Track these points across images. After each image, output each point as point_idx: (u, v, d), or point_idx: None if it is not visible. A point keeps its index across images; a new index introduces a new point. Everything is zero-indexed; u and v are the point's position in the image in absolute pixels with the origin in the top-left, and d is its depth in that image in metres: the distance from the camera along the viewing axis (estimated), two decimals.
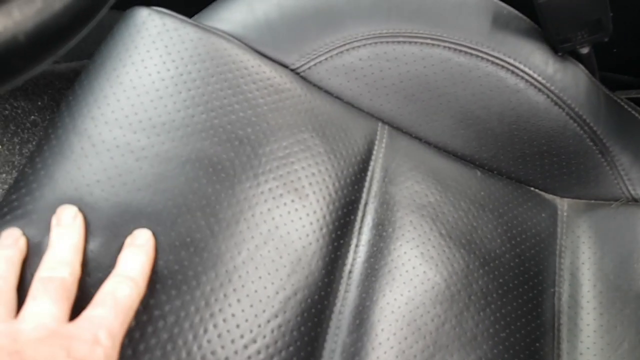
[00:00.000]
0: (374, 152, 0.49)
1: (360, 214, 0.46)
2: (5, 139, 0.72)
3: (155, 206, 0.37)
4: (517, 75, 0.48)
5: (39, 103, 0.72)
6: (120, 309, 0.32)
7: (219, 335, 0.36)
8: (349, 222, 0.45)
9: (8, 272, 0.32)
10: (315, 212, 0.43)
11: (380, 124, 0.50)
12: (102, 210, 0.36)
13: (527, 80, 0.49)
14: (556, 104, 0.49)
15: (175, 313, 0.35)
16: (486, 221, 0.48)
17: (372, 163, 0.48)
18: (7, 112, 0.73)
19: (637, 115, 0.52)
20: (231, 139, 0.42)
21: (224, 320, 0.36)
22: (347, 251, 0.44)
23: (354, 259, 0.44)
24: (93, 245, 0.35)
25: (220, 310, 0.37)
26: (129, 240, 0.35)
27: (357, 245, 0.44)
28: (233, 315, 0.37)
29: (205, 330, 0.36)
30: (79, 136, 0.39)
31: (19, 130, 0.73)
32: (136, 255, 0.35)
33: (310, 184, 0.44)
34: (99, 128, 0.39)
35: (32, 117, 0.72)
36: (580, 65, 0.51)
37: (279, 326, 0.38)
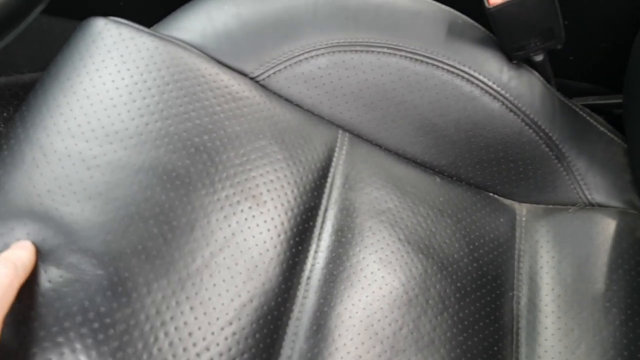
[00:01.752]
0: (334, 159, 0.49)
1: (319, 220, 0.46)
2: None
3: (106, 215, 0.37)
4: (472, 83, 0.49)
5: (5, 114, 0.72)
6: None
7: (170, 344, 0.36)
8: (308, 229, 0.45)
9: None
10: (273, 218, 0.43)
11: (340, 131, 0.51)
12: (52, 219, 0.36)
13: (482, 88, 0.49)
14: (511, 110, 0.50)
15: (125, 321, 0.35)
16: (444, 226, 0.49)
17: (332, 170, 0.48)
18: None
19: (592, 121, 0.54)
20: (187, 146, 0.42)
21: (176, 329, 0.36)
22: (306, 257, 0.44)
23: (312, 265, 0.44)
24: (43, 251, 0.35)
25: (171, 318, 0.36)
26: None
27: (316, 252, 0.45)
28: (185, 323, 0.37)
29: (156, 339, 0.35)
30: (31, 146, 0.38)
31: None
32: (16, 249, 0.34)
33: (268, 190, 0.44)
34: (51, 137, 0.39)
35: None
36: (535, 73, 0.52)
37: (233, 333, 0.38)
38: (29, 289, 0.34)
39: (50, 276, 0.34)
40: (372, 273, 0.44)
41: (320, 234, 0.45)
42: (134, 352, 0.34)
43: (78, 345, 0.33)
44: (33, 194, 0.36)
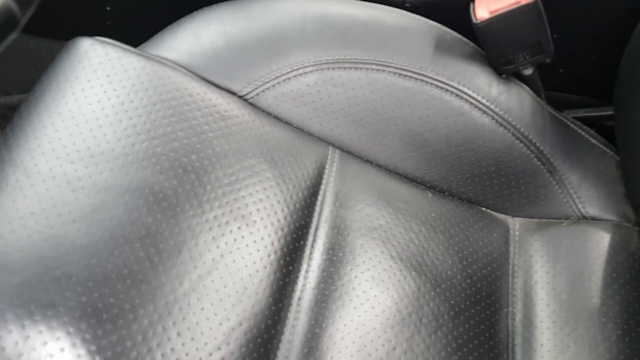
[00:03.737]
0: (325, 177, 0.49)
1: (311, 239, 0.45)
2: None
3: (91, 238, 0.36)
4: (462, 98, 0.49)
5: None
6: None
7: None
8: (299, 248, 0.44)
9: None
10: (263, 238, 0.43)
11: (331, 148, 0.50)
12: (35, 244, 0.35)
13: (471, 103, 0.49)
14: (501, 125, 0.50)
15: (111, 348, 0.34)
16: (437, 243, 0.48)
17: (322, 187, 0.48)
18: None
19: (584, 134, 0.53)
20: (174, 167, 0.41)
21: (163, 356, 0.35)
22: (297, 277, 0.43)
23: (304, 285, 0.43)
24: (25, 280, 0.34)
25: (158, 345, 0.36)
26: None
27: (307, 271, 0.44)
28: (172, 349, 0.36)
29: None
30: (15, 168, 0.38)
31: None
32: None
33: (258, 210, 0.44)
34: (36, 159, 0.38)
35: None
36: (525, 87, 0.52)
37: (222, 359, 0.37)
38: (13, 315, 0.33)
39: (33, 300, 0.33)
40: (364, 292, 0.44)
41: (311, 253, 0.45)
42: None
43: None
44: (16, 217, 0.36)
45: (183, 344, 0.36)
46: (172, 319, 0.36)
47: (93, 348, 0.34)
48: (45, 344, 0.33)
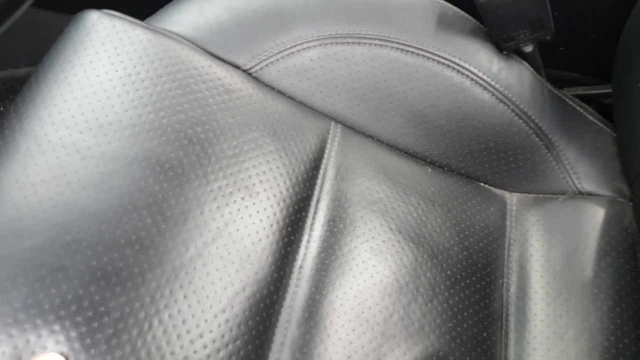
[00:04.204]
0: (327, 151, 0.50)
1: (312, 210, 0.47)
2: None
3: (100, 205, 0.38)
4: (463, 74, 0.50)
5: (1, 108, 0.72)
6: None
7: (165, 331, 0.37)
8: (300, 219, 0.46)
9: None
10: (265, 209, 0.44)
11: (333, 123, 0.51)
12: (46, 209, 0.37)
13: (472, 79, 0.50)
14: (501, 101, 0.51)
15: (119, 309, 0.36)
16: (435, 216, 0.49)
17: (324, 161, 0.49)
18: None
19: (582, 111, 0.54)
20: (180, 138, 0.43)
21: (170, 316, 0.37)
22: (298, 247, 0.45)
23: (305, 255, 0.45)
24: (37, 244, 0.35)
25: (165, 306, 0.37)
26: None
27: (308, 241, 0.45)
28: (179, 311, 0.37)
29: (150, 326, 0.36)
30: (25, 136, 0.39)
31: None
32: None
33: (260, 181, 0.45)
34: (45, 128, 0.39)
35: None
36: (525, 63, 0.53)
37: (226, 321, 0.39)
38: (25, 278, 0.34)
39: (44, 264, 0.35)
40: (363, 262, 0.45)
41: (312, 224, 0.46)
42: (128, 339, 0.35)
43: (73, 333, 0.34)
44: (27, 183, 0.37)
45: (189, 306, 0.38)
46: (178, 282, 0.38)
47: (102, 309, 0.35)
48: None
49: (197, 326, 0.38)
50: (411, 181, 0.51)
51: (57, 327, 0.34)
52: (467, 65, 0.50)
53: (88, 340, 0.34)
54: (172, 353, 0.36)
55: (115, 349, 0.34)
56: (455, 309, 0.46)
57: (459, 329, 0.45)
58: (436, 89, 0.50)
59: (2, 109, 0.72)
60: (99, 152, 0.39)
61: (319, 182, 0.48)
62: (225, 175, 0.43)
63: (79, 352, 0.34)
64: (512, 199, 0.54)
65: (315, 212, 0.47)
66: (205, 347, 0.37)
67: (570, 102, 0.54)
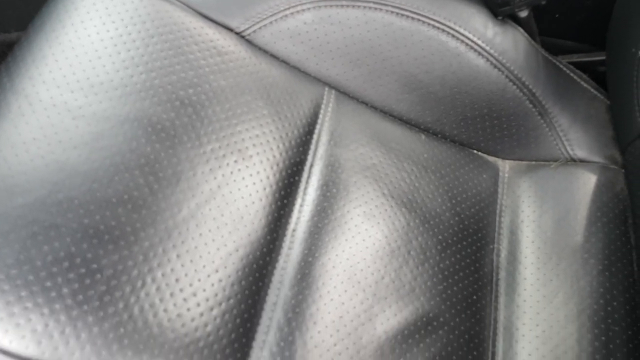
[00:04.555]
0: (320, 116, 0.49)
1: (305, 175, 0.47)
2: None
3: (91, 164, 0.38)
4: (457, 39, 0.50)
5: None
6: None
7: (158, 289, 0.37)
8: (293, 183, 0.46)
9: None
10: (258, 172, 0.44)
11: (327, 88, 0.51)
12: (37, 167, 0.36)
13: (467, 44, 0.50)
14: (495, 66, 0.50)
15: (112, 267, 0.36)
16: (428, 182, 0.50)
17: (318, 126, 0.49)
18: None
19: (576, 77, 0.54)
20: (172, 99, 0.42)
21: (163, 275, 0.37)
22: (292, 211, 0.45)
23: (298, 218, 0.45)
24: (29, 201, 0.35)
25: (158, 265, 0.37)
26: None
27: (301, 205, 0.45)
28: (172, 270, 0.38)
29: (144, 284, 0.36)
30: (16, 95, 0.39)
31: None
32: None
33: (254, 145, 0.45)
34: (37, 87, 0.39)
35: None
36: (520, 29, 0.52)
37: (219, 280, 0.39)
38: (16, 235, 0.34)
39: (36, 221, 0.35)
40: (356, 226, 0.45)
41: (305, 188, 0.46)
42: (121, 296, 0.35)
43: (65, 290, 0.34)
44: (19, 141, 0.37)
45: (182, 265, 0.38)
46: (171, 242, 0.38)
47: (94, 266, 0.35)
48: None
49: (191, 285, 0.38)
50: (405, 148, 0.51)
51: (49, 284, 0.34)
52: (462, 30, 0.50)
53: (80, 297, 0.34)
54: (165, 310, 0.36)
55: (108, 305, 0.35)
56: (446, 273, 0.46)
57: (449, 291, 0.46)
58: (431, 54, 0.49)
59: None
60: (90, 111, 0.39)
61: (312, 147, 0.48)
62: (218, 138, 0.43)
63: (72, 308, 0.34)
64: (505, 166, 0.54)
65: (308, 177, 0.47)
66: (198, 305, 0.38)
67: (565, 69, 0.54)
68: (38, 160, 0.37)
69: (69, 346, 0.33)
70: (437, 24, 0.50)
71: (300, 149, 0.47)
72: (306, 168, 0.47)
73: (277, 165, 0.45)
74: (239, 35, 0.49)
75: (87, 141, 0.38)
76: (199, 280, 0.38)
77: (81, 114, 0.39)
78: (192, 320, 0.37)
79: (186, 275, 0.38)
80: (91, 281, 0.35)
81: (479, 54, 0.50)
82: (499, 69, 0.51)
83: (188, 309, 0.37)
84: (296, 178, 0.46)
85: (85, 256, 0.35)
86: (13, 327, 0.33)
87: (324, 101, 0.50)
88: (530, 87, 0.51)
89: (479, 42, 0.50)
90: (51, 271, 0.34)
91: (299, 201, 0.45)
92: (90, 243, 0.36)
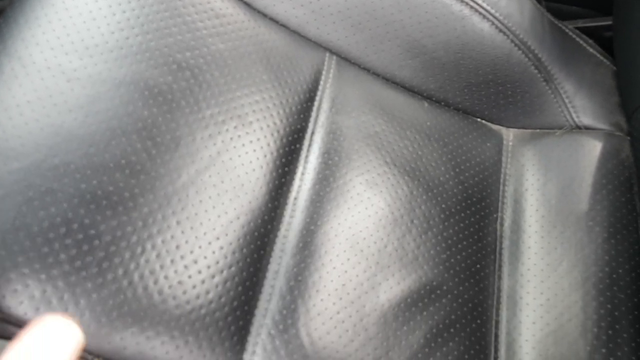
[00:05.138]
0: (321, 82, 0.48)
1: (306, 142, 0.46)
2: None
3: (87, 128, 0.36)
4: (462, 1, 0.48)
5: None
6: None
7: (158, 255, 0.36)
8: (294, 150, 0.45)
9: None
10: (259, 139, 0.43)
11: (327, 54, 0.50)
12: (32, 131, 0.35)
13: (471, 7, 0.48)
14: (501, 30, 0.49)
15: (110, 233, 0.35)
16: (431, 150, 0.49)
17: (319, 93, 0.48)
18: None
19: (581, 42, 0.53)
20: (168, 62, 0.41)
21: (163, 242, 0.36)
22: (293, 178, 0.44)
23: (299, 186, 0.44)
24: (24, 165, 0.34)
25: (158, 231, 0.36)
26: None
27: (303, 173, 0.44)
28: (172, 237, 0.37)
29: (143, 250, 0.36)
30: (9, 57, 0.37)
31: None
32: None
33: (253, 111, 0.44)
34: (30, 49, 0.38)
35: None
36: None
37: (221, 248, 0.38)
38: (12, 200, 0.33)
39: (32, 186, 0.34)
40: (358, 194, 0.45)
41: (307, 156, 0.45)
42: (120, 262, 0.34)
43: (62, 255, 0.33)
44: (12, 104, 0.35)
45: (182, 232, 0.37)
46: (171, 209, 0.37)
47: (92, 232, 0.35)
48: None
49: (191, 252, 0.37)
50: (407, 115, 0.50)
51: (46, 250, 0.33)
52: None
53: (79, 263, 0.34)
54: (165, 277, 0.36)
55: (107, 271, 0.34)
56: (450, 241, 0.46)
57: (452, 260, 0.45)
58: (434, 17, 0.48)
59: None
60: (85, 74, 0.38)
61: (313, 114, 0.47)
62: (217, 103, 0.42)
63: (70, 274, 0.33)
64: (509, 134, 0.53)
65: (309, 145, 0.46)
66: (199, 272, 0.37)
67: (571, 34, 0.53)
68: (33, 123, 0.36)
69: (67, 313, 0.33)
70: None
71: (301, 115, 0.46)
72: (307, 135, 0.46)
73: (278, 132, 0.44)
74: None
75: (82, 104, 0.37)
76: (200, 247, 0.38)
77: (76, 77, 0.38)
78: (194, 287, 0.36)
79: (187, 242, 0.37)
80: (89, 247, 0.34)
81: (484, 17, 0.49)
82: (504, 33, 0.49)
83: (189, 276, 0.37)
84: (297, 145, 0.45)
85: (83, 222, 0.34)
86: (10, 293, 0.32)
87: (325, 67, 0.49)
88: (536, 52, 0.50)
89: (484, 4, 0.49)
90: (48, 237, 0.33)
91: (300, 169, 0.45)
92: (88, 208, 0.35)
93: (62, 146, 0.35)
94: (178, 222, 0.37)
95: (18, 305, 0.32)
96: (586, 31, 0.55)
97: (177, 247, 0.37)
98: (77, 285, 0.33)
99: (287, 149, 0.44)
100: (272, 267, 0.41)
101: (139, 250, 0.35)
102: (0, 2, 0.67)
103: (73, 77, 0.37)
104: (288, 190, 0.44)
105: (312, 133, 0.46)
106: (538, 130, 0.53)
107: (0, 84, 0.36)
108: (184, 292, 0.36)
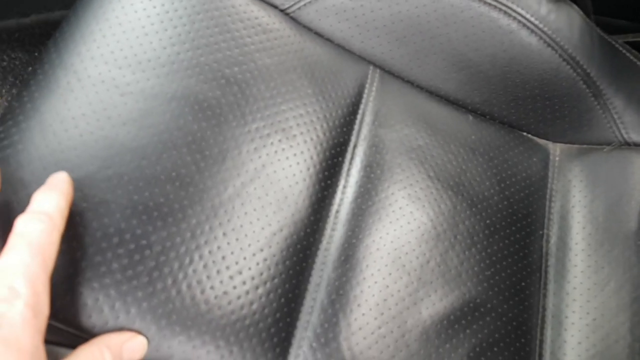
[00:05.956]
0: (365, 96, 0.48)
1: (349, 156, 0.46)
2: (4, 90, 0.72)
3: (140, 141, 0.38)
4: (510, 15, 0.48)
5: (36, 54, 0.72)
6: (36, 247, 0.29)
7: (205, 266, 0.37)
8: (337, 164, 0.45)
9: None
10: (302, 152, 0.43)
11: (371, 67, 0.50)
12: (87, 143, 0.37)
13: (519, 21, 0.48)
14: (549, 45, 0.48)
15: (161, 243, 0.36)
16: (476, 164, 0.48)
17: (362, 106, 0.48)
18: (5, 63, 0.73)
19: (632, 57, 0.52)
20: (217, 77, 0.42)
21: (210, 252, 0.37)
22: (335, 192, 0.44)
23: (341, 199, 0.44)
24: (79, 177, 0.36)
25: (205, 242, 0.37)
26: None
27: (345, 187, 0.45)
28: (219, 247, 0.38)
29: (191, 261, 0.36)
30: (65, 71, 0.39)
31: (17, 81, 0.73)
32: (47, 193, 0.32)
33: (297, 124, 0.44)
34: (85, 63, 0.39)
35: (30, 67, 0.72)
36: (575, 6, 0.50)
37: (264, 259, 0.39)
38: None
39: (86, 197, 0.35)
40: (400, 208, 0.45)
41: (349, 169, 0.45)
42: (169, 272, 0.35)
43: (115, 265, 0.34)
44: (68, 117, 0.37)
45: (228, 243, 0.38)
46: (217, 220, 0.38)
47: (143, 242, 0.35)
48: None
49: (236, 263, 0.38)
50: (451, 129, 0.49)
51: (98, 259, 0.34)
52: (514, 7, 0.48)
53: (130, 272, 0.35)
54: (212, 287, 0.36)
55: (156, 280, 0.35)
56: (494, 258, 0.45)
57: (496, 277, 0.44)
58: (481, 31, 0.48)
59: (37, 54, 0.72)
60: (138, 88, 0.39)
61: (356, 127, 0.47)
62: (262, 117, 0.43)
63: (121, 283, 0.34)
64: (556, 149, 0.52)
65: (352, 158, 0.46)
66: (244, 283, 0.38)
67: (620, 48, 0.52)
68: (87, 135, 0.37)
69: (118, 321, 0.34)
70: (488, 0, 0.48)
71: (344, 129, 0.46)
72: (350, 149, 0.46)
73: (321, 145, 0.44)
74: (284, 12, 0.48)
75: (135, 118, 0.38)
76: (245, 258, 0.38)
77: (129, 91, 0.39)
78: (238, 298, 0.37)
79: (232, 253, 0.38)
80: (140, 257, 0.35)
81: (532, 31, 0.48)
82: (553, 48, 0.48)
83: (234, 287, 0.37)
84: (339, 159, 0.45)
85: (135, 232, 0.35)
86: (63, 300, 0.33)
87: (369, 80, 0.49)
88: (585, 67, 0.49)
89: (532, 19, 0.48)
90: (100, 246, 0.34)
91: (342, 182, 0.45)
92: (140, 219, 0.36)
93: (116, 158, 0.37)
94: (224, 234, 0.38)
95: (71, 313, 0.33)
96: (636, 46, 0.54)
97: (223, 257, 0.38)
98: (128, 294, 0.34)
99: (329, 162, 0.45)
100: (314, 279, 0.41)
101: (187, 260, 0.36)
102: (51, 14, 0.69)
103: (126, 91, 0.39)
104: (330, 204, 0.44)
105: (355, 146, 0.46)
106: (585, 146, 0.51)
107: (57, 96, 0.38)
108: (229, 303, 0.37)
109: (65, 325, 0.33)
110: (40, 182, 0.34)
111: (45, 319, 0.28)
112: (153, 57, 0.40)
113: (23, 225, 0.30)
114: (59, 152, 0.36)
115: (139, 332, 0.34)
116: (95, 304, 0.33)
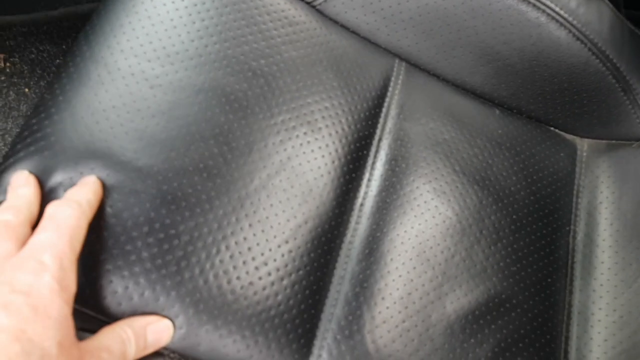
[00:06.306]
0: (390, 89, 0.48)
1: (373, 149, 0.46)
2: (32, 83, 0.74)
3: (169, 133, 0.38)
4: (539, 8, 0.47)
5: (64, 46, 0.73)
6: (64, 229, 0.31)
7: (231, 256, 0.37)
8: (362, 157, 0.45)
9: (22, 206, 0.32)
10: (327, 145, 0.44)
11: (397, 60, 0.50)
12: (117, 135, 0.37)
13: (548, 14, 0.47)
14: (578, 39, 0.48)
15: (189, 233, 0.36)
16: (502, 159, 0.48)
17: (387, 99, 0.48)
18: (33, 56, 0.74)
19: None
20: (244, 70, 0.42)
21: (236, 243, 0.38)
22: (359, 185, 0.44)
23: (365, 193, 0.44)
24: (110, 167, 0.36)
25: (232, 233, 0.38)
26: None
27: (369, 180, 0.45)
28: (245, 238, 0.38)
29: (218, 251, 0.37)
30: (96, 64, 0.39)
31: (45, 74, 0.74)
32: (78, 187, 0.34)
33: (323, 117, 0.44)
34: (115, 56, 0.40)
35: (58, 60, 0.73)
36: (605, 0, 0.49)
37: (290, 251, 0.39)
38: None
39: (117, 186, 0.36)
40: (425, 202, 0.44)
41: (373, 162, 0.45)
42: (197, 262, 0.36)
43: (145, 254, 0.35)
44: (99, 109, 0.37)
45: (254, 234, 0.38)
46: (244, 211, 0.38)
47: (172, 232, 0.36)
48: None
49: (262, 254, 0.38)
50: (478, 122, 0.49)
51: (129, 247, 0.35)
52: (543, 0, 0.47)
53: (159, 261, 0.35)
54: (238, 278, 0.37)
55: (184, 270, 0.35)
56: (520, 254, 0.45)
57: (522, 273, 0.44)
58: (510, 24, 0.47)
59: (64, 47, 0.74)
60: (167, 80, 0.40)
61: (381, 120, 0.47)
62: (288, 110, 0.43)
63: (150, 271, 0.35)
64: (583, 144, 0.51)
65: (377, 151, 0.46)
66: (269, 274, 0.38)
67: None
68: (118, 127, 0.37)
69: (147, 309, 0.34)
70: None
71: (369, 122, 0.46)
72: (374, 142, 0.46)
73: (346, 138, 0.45)
74: (310, 5, 0.48)
75: (164, 110, 0.39)
76: (270, 250, 0.39)
77: (158, 83, 0.39)
78: (264, 288, 0.37)
79: (258, 244, 0.38)
80: (169, 246, 0.36)
81: (561, 24, 0.47)
82: (582, 41, 0.48)
83: (260, 278, 0.38)
84: (364, 152, 0.45)
85: (164, 222, 0.36)
86: (94, 288, 0.34)
87: (394, 73, 0.49)
88: (615, 61, 0.48)
89: (562, 12, 0.47)
90: (131, 235, 0.35)
91: (367, 175, 0.45)
92: (169, 209, 0.36)
93: (146, 150, 0.37)
94: (250, 225, 0.38)
95: (101, 300, 0.34)
96: None
97: (249, 248, 0.38)
98: (157, 283, 0.35)
99: (354, 155, 0.45)
100: (338, 272, 0.41)
101: (214, 250, 0.37)
102: (80, 7, 0.70)
103: (155, 83, 0.39)
104: (355, 197, 0.44)
105: (380, 139, 0.46)
106: (614, 141, 0.51)
107: (87, 89, 0.38)
108: (255, 293, 0.37)
109: (95, 312, 0.34)
110: (72, 172, 0.35)
111: (72, 294, 0.30)
112: (181, 50, 0.41)
113: (53, 209, 0.32)
114: (90, 144, 0.37)
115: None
116: (125, 291, 0.34)
